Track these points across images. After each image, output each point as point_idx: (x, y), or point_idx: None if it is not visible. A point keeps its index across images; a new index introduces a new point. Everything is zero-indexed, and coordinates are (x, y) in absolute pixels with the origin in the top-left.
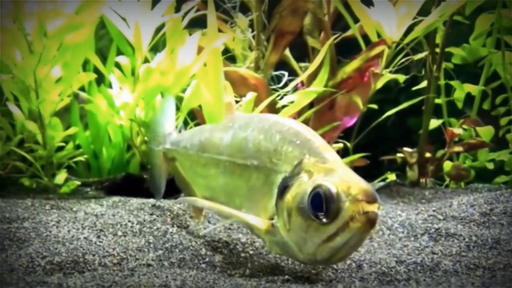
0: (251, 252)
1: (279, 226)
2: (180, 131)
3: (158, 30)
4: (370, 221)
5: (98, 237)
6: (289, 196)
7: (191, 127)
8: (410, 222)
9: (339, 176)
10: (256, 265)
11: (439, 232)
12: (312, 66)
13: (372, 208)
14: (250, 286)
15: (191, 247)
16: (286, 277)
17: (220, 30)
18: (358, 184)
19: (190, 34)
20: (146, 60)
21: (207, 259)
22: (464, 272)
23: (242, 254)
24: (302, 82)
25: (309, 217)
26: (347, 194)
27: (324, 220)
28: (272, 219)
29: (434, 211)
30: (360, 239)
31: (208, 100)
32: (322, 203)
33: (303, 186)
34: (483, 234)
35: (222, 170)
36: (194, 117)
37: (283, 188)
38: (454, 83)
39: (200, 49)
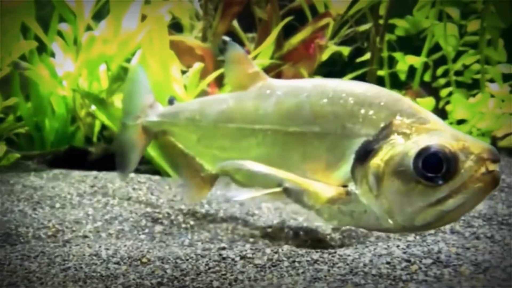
0: (192, 222)
1: (360, 193)
2: (172, 103)
3: None
4: (496, 181)
5: (34, 209)
6: (377, 161)
7: None
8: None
9: (450, 135)
10: (196, 236)
11: None
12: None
13: (496, 167)
14: (183, 254)
15: (131, 218)
16: (223, 245)
17: None
18: (477, 143)
19: None
20: (90, 28)
21: (146, 230)
22: (396, 237)
23: (183, 225)
24: (248, 52)
25: (412, 180)
26: (468, 153)
27: (440, 182)
28: (344, 186)
29: None
30: (478, 201)
31: (155, 70)
32: (437, 164)
33: (400, 148)
34: None
35: (260, 140)
36: None
37: (365, 153)
38: (397, 55)
39: (144, 18)
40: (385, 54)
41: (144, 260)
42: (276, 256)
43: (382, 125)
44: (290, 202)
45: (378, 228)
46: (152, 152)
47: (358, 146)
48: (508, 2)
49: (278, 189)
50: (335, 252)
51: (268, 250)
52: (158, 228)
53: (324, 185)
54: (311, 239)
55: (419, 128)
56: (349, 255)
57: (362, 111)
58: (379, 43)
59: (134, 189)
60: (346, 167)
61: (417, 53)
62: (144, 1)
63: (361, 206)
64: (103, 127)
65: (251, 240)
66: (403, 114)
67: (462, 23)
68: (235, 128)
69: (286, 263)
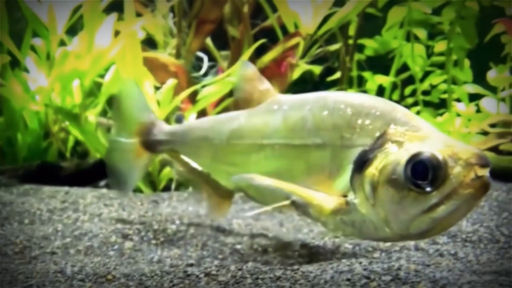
0: (162, 239)
1: (358, 202)
2: (180, 121)
3: (75, 11)
4: (485, 186)
5: (2, 225)
6: (372, 169)
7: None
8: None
9: (440, 142)
10: (165, 252)
11: None
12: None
13: (486, 172)
14: (149, 271)
15: (101, 235)
16: (191, 261)
17: (140, 14)
18: (466, 148)
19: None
20: (64, 43)
21: (116, 247)
22: (362, 254)
23: (153, 242)
24: (222, 70)
25: (404, 188)
26: (456, 159)
27: (428, 188)
28: (344, 197)
29: None
30: (470, 207)
31: None
32: (424, 171)
33: (393, 157)
34: None
35: (268, 155)
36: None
37: (362, 162)
38: (366, 74)
39: (117, 33)
40: (354, 73)
41: (109, 277)
42: (240, 273)
43: (377, 134)
44: (263, 219)
45: (377, 237)
46: None
47: (355, 155)
48: (474, 23)
49: (286, 202)
50: (298, 269)
51: (232, 267)
52: (128, 244)
53: (326, 196)
54: (280, 256)
55: (412, 136)
56: (311, 272)
57: (359, 121)
58: (349, 63)
59: (105, 205)
60: (345, 177)
61: (386, 72)
62: (118, 17)
63: (360, 215)
64: (77, 142)
65: (220, 256)
66: (397, 122)
67: (430, 44)
68: (246, 144)
69: (249, 280)
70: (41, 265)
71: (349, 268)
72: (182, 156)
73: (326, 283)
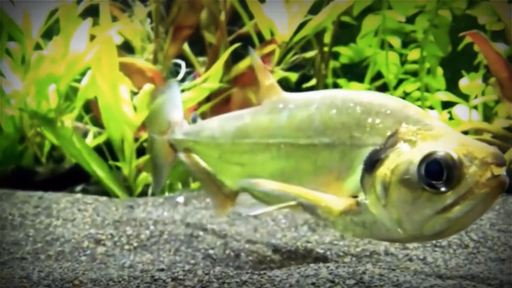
0: (135, 244)
1: (369, 203)
2: (195, 121)
3: (52, 14)
4: (502, 185)
5: None
6: (384, 169)
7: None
8: (293, 213)
9: (455, 140)
10: (138, 257)
11: (317, 223)
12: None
13: (502, 171)
14: (117, 276)
15: (73, 240)
16: (161, 266)
17: (117, 19)
18: (482, 147)
19: None
20: (39, 47)
21: (88, 252)
22: (333, 259)
23: (126, 247)
24: (199, 75)
25: (418, 188)
26: (472, 158)
27: (443, 188)
28: (353, 197)
29: None
30: (486, 207)
31: (104, 90)
32: (439, 171)
33: (405, 156)
34: None
35: (274, 154)
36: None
37: (373, 162)
38: (341, 81)
39: (93, 38)
40: (330, 80)
41: (76, 282)
42: (206, 277)
43: (388, 133)
44: (238, 224)
45: (389, 238)
46: (101, 173)
47: (366, 155)
48: (447, 32)
49: (292, 203)
50: (264, 274)
51: (199, 272)
52: (100, 249)
53: (335, 198)
54: (252, 261)
55: (425, 134)
56: (277, 276)
57: (369, 120)
58: (324, 70)
59: (79, 210)
60: (355, 177)
61: (361, 80)
62: (94, 22)
63: (371, 216)
64: (53, 147)
65: (192, 262)
66: (409, 121)
67: (403, 52)
68: (252, 144)
69: (215, 284)
70: (8, 271)
71: (316, 272)
72: (193, 155)
73: (291, 287)
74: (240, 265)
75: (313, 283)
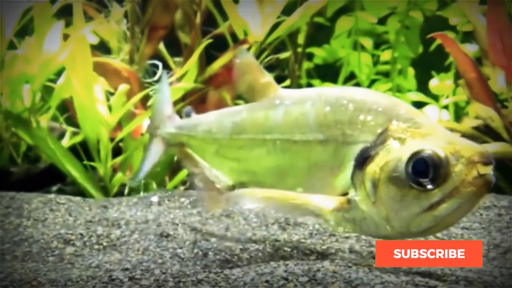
0: (105, 244)
1: (359, 200)
2: (188, 115)
3: (26, 13)
4: (488, 184)
5: None
6: (374, 167)
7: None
8: (264, 212)
9: (443, 139)
10: (106, 257)
11: (287, 221)
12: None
13: (488, 170)
14: (76, 276)
15: (42, 240)
16: (127, 266)
17: (93, 19)
18: (469, 146)
19: None
20: (14, 46)
21: (56, 252)
22: (300, 257)
23: (96, 247)
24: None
25: (405, 185)
26: (458, 157)
27: (430, 186)
28: (344, 194)
29: None
30: (472, 205)
31: (78, 90)
32: (425, 169)
33: (394, 154)
34: None
35: (270, 150)
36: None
37: (363, 159)
38: (315, 82)
39: (66, 37)
40: (304, 81)
41: (34, 283)
42: (163, 276)
43: (379, 131)
44: (210, 223)
45: (378, 234)
46: (76, 173)
47: (357, 152)
48: (418, 33)
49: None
50: (221, 272)
51: (157, 271)
52: (69, 249)
53: (324, 198)
54: (219, 260)
55: (414, 132)
56: (233, 274)
57: (361, 117)
58: (298, 70)
59: (51, 210)
60: (347, 174)
61: (334, 80)
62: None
63: (361, 213)
64: (29, 147)
65: (160, 261)
66: (400, 119)
67: (376, 53)
68: (248, 139)
69: (171, 283)
70: None
71: (271, 270)
72: (187, 149)
73: (245, 285)
74: (208, 264)
75: (267, 281)
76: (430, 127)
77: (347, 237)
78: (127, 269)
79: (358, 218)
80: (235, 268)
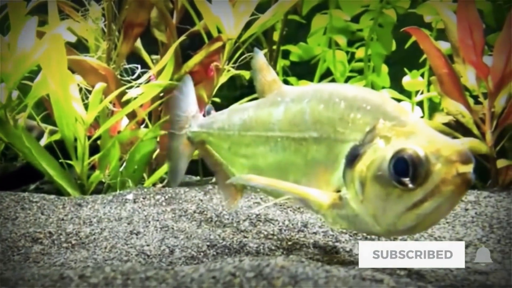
0: (73, 242)
1: (350, 198)
2: (209, 113)
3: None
4: (467, 183)
5: None
6: (361, 165)
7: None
8: (237, 209)
9: (424, 137)
10: (73, 255)
11: (258, 218)
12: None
13: (468, 168)
14: (29, 275)
15: (9, 239)
16: (91, 264)
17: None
18: (448, 145)
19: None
20: None
21: (22, 251)
22: (265, 252)
23: (64, 245)
24: (154, 74)
25: (389, 184)
26: (438, 156)
27: (411, 185)
28: (337, 192)
29: (261, 198)
30: (453, 203)
31: (54, 88)
32: (407, 168)
33: (380, 153)
34: (295, 218)
35: (272, 147)
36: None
37: (353, 158)
38: (291, 79)
39: (40, 36)
40: (280, 78)
41: None
42: (112, 274)
43: (367, 129)
44: (183, 220)
45: (370, 232)
46: (52, 171)
47: (347, 150)
48: (391, 30)
49: (287, 197)
50: (172, 269)
51: (107, 269)
52: (36, 248)
53: (320, 192)
54: (185, 256)
55: (398, 131)
56: (183, 271)
57: (351, 115)
58: (273, 68)
59: (23, 208)
60: (340, 172)
61: (310, 78)
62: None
63: (352, 210)
64: (7, 146)
65: (125, 259)
66: (386, 117)
67: (350, 50)
68: (254, 136)
69: (119, 281)
70: None
71: (220, 266)
72: (207, 146)
73: (192, 281)
74: (173, 261)
75: (213, 277)
76: (413, 125)
77: (314, 233)
78: (88, 266)
79: (351, 215)
80: (187, 265)
